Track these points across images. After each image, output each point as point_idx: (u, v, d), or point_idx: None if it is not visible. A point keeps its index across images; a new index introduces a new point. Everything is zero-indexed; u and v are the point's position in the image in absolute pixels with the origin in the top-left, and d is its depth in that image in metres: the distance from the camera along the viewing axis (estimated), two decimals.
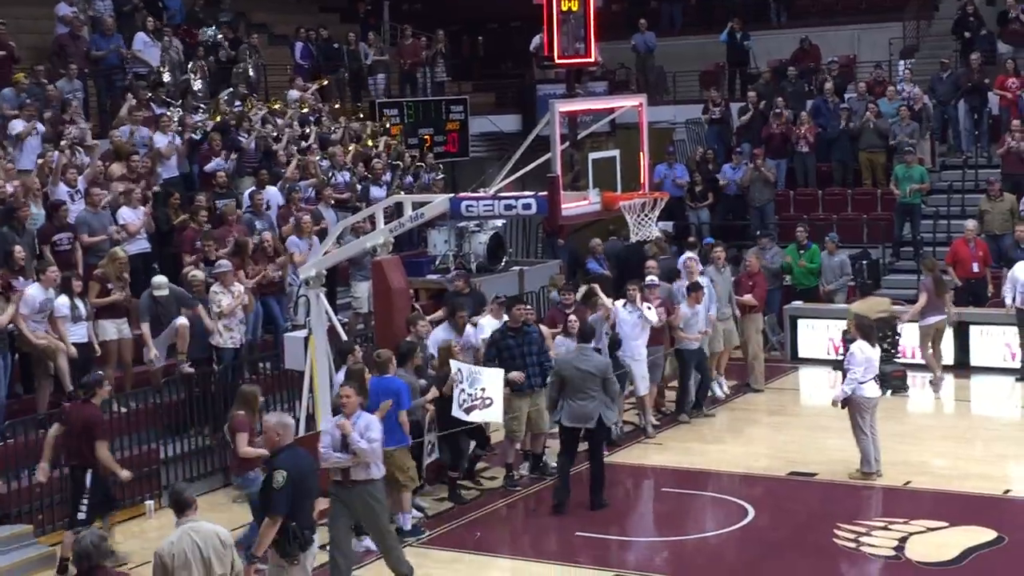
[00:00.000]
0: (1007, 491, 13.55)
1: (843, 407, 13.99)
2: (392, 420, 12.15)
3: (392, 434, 12.05)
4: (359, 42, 25.54)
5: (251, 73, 22.49)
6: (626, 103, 15.95)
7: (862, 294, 18.15)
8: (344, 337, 14.85)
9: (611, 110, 17.05)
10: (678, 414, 16.77)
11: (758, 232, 21.13)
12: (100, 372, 12.76)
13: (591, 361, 13.34)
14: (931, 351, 17.82)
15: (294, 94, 22.38)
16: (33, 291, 13.73)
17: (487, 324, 15.03)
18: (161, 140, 18.28)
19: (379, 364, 12.76)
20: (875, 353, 13.90)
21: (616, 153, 14.60)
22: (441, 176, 22.82)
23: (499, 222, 19.51)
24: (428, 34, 26.81)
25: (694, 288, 16.53)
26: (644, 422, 16.16)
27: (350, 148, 21.31)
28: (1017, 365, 17.96)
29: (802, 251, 19.99)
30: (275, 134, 20.16)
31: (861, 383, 13.71)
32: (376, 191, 19.83)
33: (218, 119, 19.69)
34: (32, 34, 21.50)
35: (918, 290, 18.21)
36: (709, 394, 17.14)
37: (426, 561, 12.23)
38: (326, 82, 23.55)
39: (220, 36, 22.80)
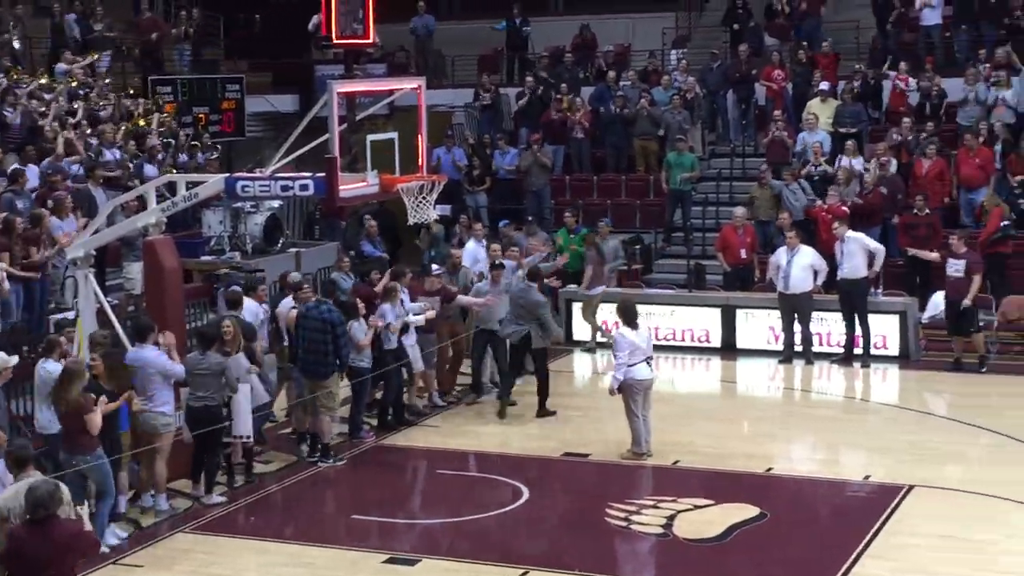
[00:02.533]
0: (769, 469, 14.03)
1: (619, 392, 14.24)
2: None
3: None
4: (64, 15, 24.43)
5: (16, 45, 21.66)
6: (405, 85, 15.91)
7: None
8: (114, 319, 14.46)
9: (389, 92, 16.98)
10: (476, 393, 16.92)
11: (528, 217, 21.34)
12: None
13: None
14: (594, 319, 18.90)
15: (62, 68, 21.64)
16: None
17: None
18: None
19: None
20: (639, 335, 14.14)
21: (394, 135, 14.55)
22: (216, 156, 22.41)
23: (276, 203, 19.27)
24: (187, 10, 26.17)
25: (496, 267, 16.72)
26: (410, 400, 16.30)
27: (121, 125, 20.72)
28: (780, 347, 18.63)
29: (572, 235, 20.26)
30: (42, 109, 19.45)
31: (630, 366, 13.98)
32: (149, 170, 19.33)
33: None
34: None
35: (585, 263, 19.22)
36: None
37: (201, 546, 12.05)
38: (96, 56, 22.84)
39: None
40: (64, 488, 8.72)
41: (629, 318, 14.19)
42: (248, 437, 13.65)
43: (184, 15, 26.10)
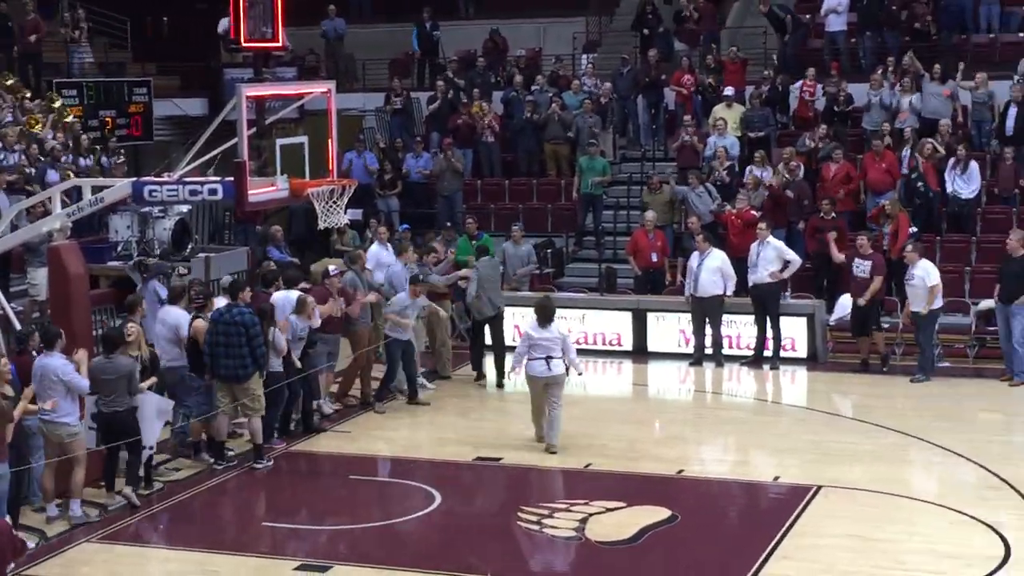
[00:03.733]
0: (680, 471, 14.12)
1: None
2: None
3: None
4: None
5: None
6: (315, 89, 15.88)
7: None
8: (17, 325, 14.21)
9: (300, 96, 16.94)
10: (377, 400, 16.76)
11: (448, 223, 21.30)
12: None
13: None
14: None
15: None
16: None
17: None
18: None
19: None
20: (544, 333, 14.49)
21: (304, 139, 14.50)
22: (122, 159, 22.09)
23: (185, 208, 19.04)
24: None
25: (415, 280, 16.66)
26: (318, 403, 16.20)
27: (19, 127, 20.35)
28: (691, 350, 18.77)
29: (473, 241, 20.13)
30: None
31: (529, 360, 14.52)
32: (52, 174, 19.02)
33: None
34: None
35: None
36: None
37: (106, 555, 11.88)
38: None
39: None
40: None
41: (540, 316, 14.63)
42: (152, 448, 13.44)
43: (69, 16, 25.53)
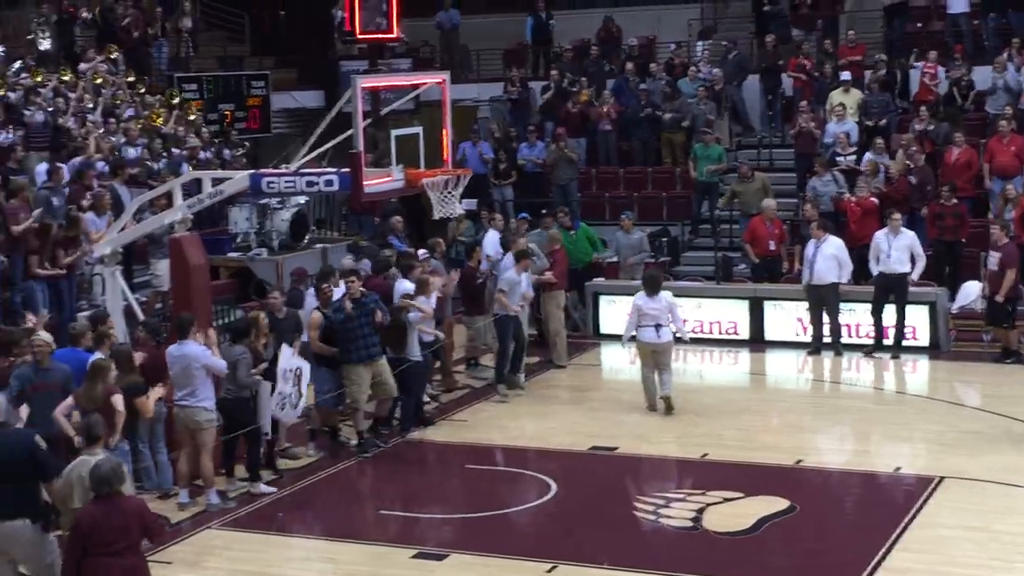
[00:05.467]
0: (799, 461, 13.95)
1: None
2: None
3: None
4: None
5: (45, 46, 21.73)
6: (429, 80, 15.91)
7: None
8: (140, 315, 14.49)
9: (414, 87, 16.98)
10: (496, 382, 16.78)
11: (543, 211, 21.21)
12: None
13: None
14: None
15: (85, 66, 21.69)
16: None
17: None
18: None
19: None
20: (653, 303, 15.42)
21: (419, 130, 14.55)
22: (242, 152, 22.43)
23: (302, 199, 19.29)
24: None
25: (522, 254, 16.59)
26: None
27: (141, 122, 20.74)
28: (808, 339, 18.53)
29: (572, 232, 20.04)
30: (62, 110, 19.50)
31: (639, 327, 15.46)
32: (186, 168, 19.36)
33: (3, 92, 18.95)
34: None
35: None
36: None
37: (230, 543, 12.05)
38: (114, 54, 22.83)
39: None
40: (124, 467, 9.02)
41: (648, 286, 15.66)
42: (266, 433, 13.62)
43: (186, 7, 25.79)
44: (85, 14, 23.72)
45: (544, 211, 20.57)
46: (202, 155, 20.84)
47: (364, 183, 13.38)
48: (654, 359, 15.58)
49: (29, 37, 21.61)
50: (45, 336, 12.05)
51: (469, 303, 17.10)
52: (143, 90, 22.46)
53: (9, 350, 12.75)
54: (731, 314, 19.21)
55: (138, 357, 12.73)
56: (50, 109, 19.39)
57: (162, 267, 16.94)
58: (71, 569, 8.63)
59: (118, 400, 11.56)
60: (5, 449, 9.44)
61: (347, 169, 13.39)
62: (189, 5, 25.86)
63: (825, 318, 18.21)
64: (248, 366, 12.92)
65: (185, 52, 25.52)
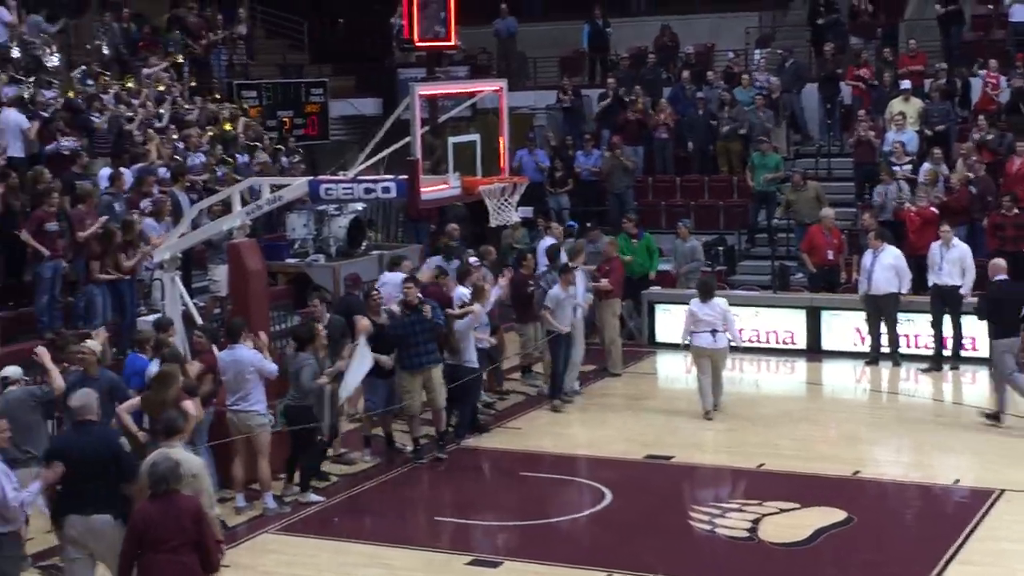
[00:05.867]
0: (856, 472, 13.85)
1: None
2: None
3: None
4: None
5: (105, 51, 21.97)
6: (486, 87, 15.94)
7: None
8: (199, 320, 14.60)
9: (471, 94, 17.03)
10: (551, 398, 16.71)
11: (587, 223, 21.12)
12: None
13: None
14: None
15: (148, 72, 21.91)
16: None
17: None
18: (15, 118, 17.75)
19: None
20: (707, 309, 15.64)
21: (476, 137, 14.58)
22: (299, 159, 22.57)
23: (359, 206, 19.38)
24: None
25: (565, 270, 16.58)
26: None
27: (207, 130, 20.93)
28: (866, 349, 18.39)
29: (634, 240, 20.06)
30: (129, 114, 19.71)
31: (692, 333, 15.71)
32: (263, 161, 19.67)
33: (70, 95, 19.19)
34: None
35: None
36: None
37: (286, 547, 12.12)
38: (180, 59, 23.06)
39: None
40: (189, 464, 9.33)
41: (702, 292, 15.90)
42: (322, 436, 13.68)
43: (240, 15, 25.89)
44: (150, 22, 23.95)
45: (588, 223, 20.57)
46: (261, 161, 20.97)
47: (421, 190, 13.42)
48: (709, 365, 15.76)
49: (93, 44, 21.84)
50: (92, 345, 12.07)
51: (520, 310, 17.10)
52: (205, 97, 22.65)
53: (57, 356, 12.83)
54: (788, 323, 19.11)
55: (196, 363, 12.80)
56: (113, 115, 19.59)
57: (220, 272, 17.07)
58: (127, 564, 8.78)
59: (190, 406, 11.70)
60: (91, 447, 9.63)
61: (404, 176, 13.44)
62: (244, 12, 26.06)
63: (883, 328, 18.06)
64: (312, 372, 12.99)
65: (241, 59, 25.69)
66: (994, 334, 15.21)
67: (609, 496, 13.23)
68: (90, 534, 9.59)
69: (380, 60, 28.79)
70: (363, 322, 14.20)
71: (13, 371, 11.53)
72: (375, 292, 14.89)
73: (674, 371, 18.79)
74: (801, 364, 18.70)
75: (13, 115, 17.68)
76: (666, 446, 14.86)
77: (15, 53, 19.78)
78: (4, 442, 9.60)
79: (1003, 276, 15.40)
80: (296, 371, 12.96)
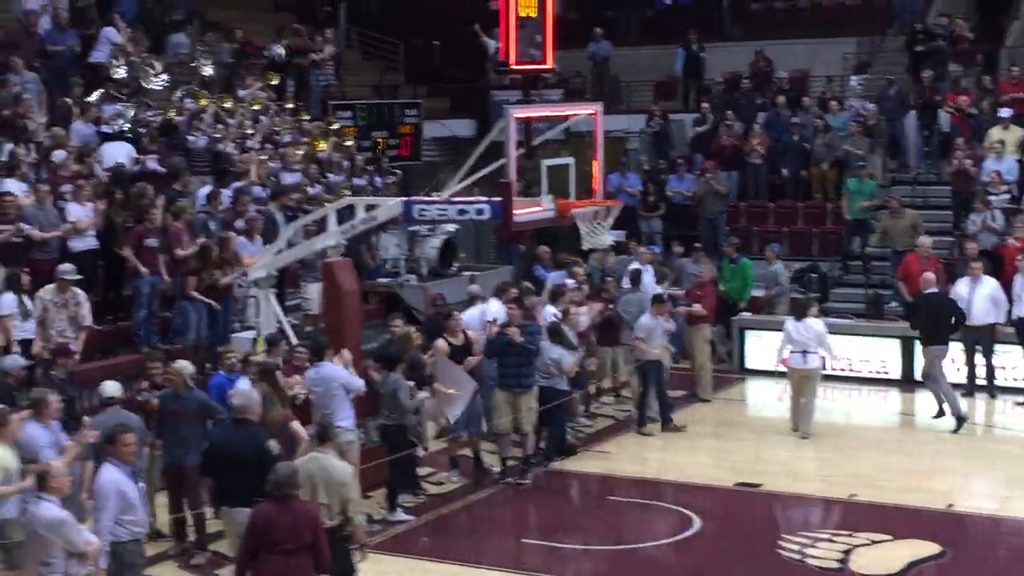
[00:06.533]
0: (950, 505, 13.64)
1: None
2: None
3: None
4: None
5: (207, 72, 22.32)
6: (581, 111, 15.97)
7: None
8: (293, 339, 14.75)
9: (565, 117, 17.07)
10: (639, 425, 16.64)
11: (696, 244, 21.13)
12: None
13: None
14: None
15: (245, 93, 22.20)
16: None
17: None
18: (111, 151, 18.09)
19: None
20: (800, 328, 15.82)
21: (571, 161, 14.61)
22: (393, 180, 22.73)
23: (451, 227, 19.48)
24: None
25: (658, 299, 16.52)
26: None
27: (301, 149, 21.14)
28: (962, 380, 18.09)
29: (733, 264, 19.95)
30: (222, 135, 19.98)
31: (792, 353, 15.92)
32: (358, 182, 19.82)
33: (171, 116, 19.50)
34: None
35: None
36: None
37: (373, 565, 12.15)
38: (275, 81, 23.34)
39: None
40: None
41: (796, 311, 16.23)
42: (426, 448, 13.73)
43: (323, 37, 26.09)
44: (275, 48, 24.29)
45: (671, 245, 20.54)
46: (356, 182, 21.17)
47: (514, 212, 13.47)
48: (800, 385, 15.90)
49: (194, 63, 22.20)
50: (181, 365, 12.25)
51: (599, 334, 17.04)
52: (300, 117, 22.90)
53: (143, 372, 13.01)
54: (882, 353, 18.86)
55: (297, 378, 12.92)
56: (211, 135, 19.88)
57: (313, 291, 17.24)
58: (244, 563, 9.09)
59: (297, 426, 11.89)
60: (238, 443, 10.33)
61: (498, 198, 13.50)
62: (332, 32, 26.32)
63: (980, 359, 17.77)
64: (408, 390, 13.07)
65: (330, 79, 25.93)
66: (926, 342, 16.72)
67: (697, 523, 13.15)
68: (232, 526, 10.22)
69: (474, 82, 28.94)
70: (439, 344, 14.25)
71: (112, 388, 11.70)
72: (454, 314, 14.95)
73: (765, 398, 18.64)
74: (895, 394, 18.44)
75: (113, 148, 17.88)
76: (756, 473, 14.74)
77: (120, 73, 20.11)
78: (131, 456, 9.80)
79: (933, 289, 16.97)
80: (391, 392, 13.03)
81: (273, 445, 10.41)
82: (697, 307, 17.79)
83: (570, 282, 16.95)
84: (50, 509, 8.97)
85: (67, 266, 14.02)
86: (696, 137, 25.20)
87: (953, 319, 16.67)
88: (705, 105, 25.34)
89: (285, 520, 8.94)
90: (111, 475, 9.52)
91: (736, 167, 24.25)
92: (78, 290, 13.99)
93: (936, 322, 16.57)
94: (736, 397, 18.65)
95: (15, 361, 12.23)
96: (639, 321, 16.36)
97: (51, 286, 13.80)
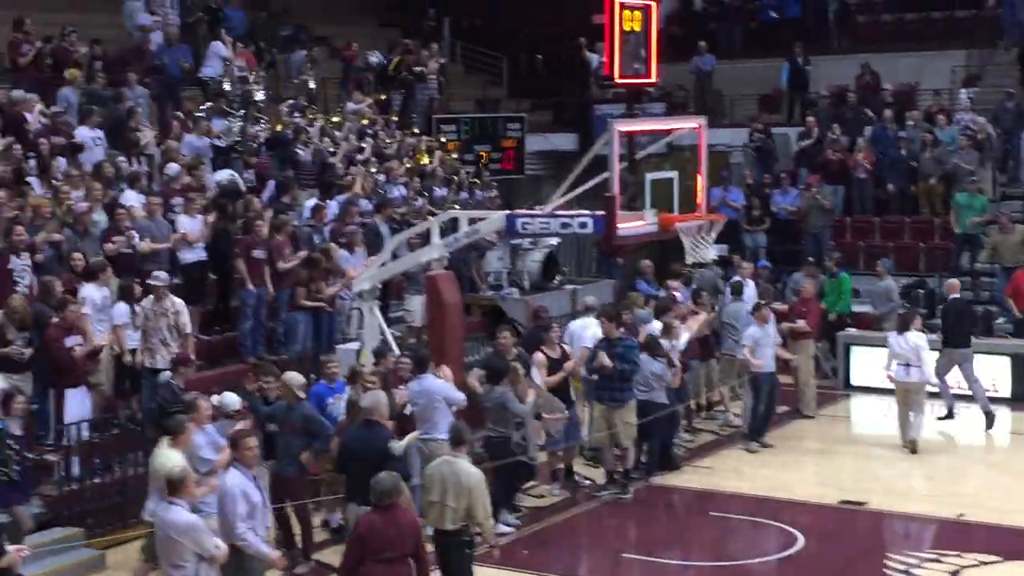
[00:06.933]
0: None
1: None
2: None
3: None
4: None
5: (312, 85, 22.63)
6: (685, 125, 15.91)
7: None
8: (396, 350, 14.86)
9: (669, 131, 17.02)
10: (748, 440, 16.52)
11: (808, 258, 20.98)
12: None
13: None
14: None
15: (352, 107, 22.46)
16: (89, 290, 13.86)
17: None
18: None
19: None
20: (901, 342, 15.85)
21: (674, 175, 14.57)
22: (495, 193, 22.83)
23: (553, 240, 19.50)
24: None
25: (758, 307, 16.39)
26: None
27: (405, 162, 21.33)
28: None
29: (833, 279, 19.72)
30: (332, 149, 20.23)
31: (897, 366, 15.94)
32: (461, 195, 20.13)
33: (279, 129, 19.81)
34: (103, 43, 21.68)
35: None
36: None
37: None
38: (384, 96, 23.59)
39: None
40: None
41: (899, 325, 16.23)
42: (532, 458, 13.78)
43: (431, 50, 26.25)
44: (371, 58, 24.55)
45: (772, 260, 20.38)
46: (460, 195, 21.31)
47: (618, 226, 13.45)
48: (905, 398, 15.93)
49: (301, 78, 22.54)
50: (291, 377, 12.38)
51: (695, 347, 16.94)
52: (405, 131, 23.12)
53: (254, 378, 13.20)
54: (991, 370, 18.51)
55: (402, 390, 13.02)
56: (315, 148, 20.14)
57: (415, 303, 17.36)
58: (348, 570, 9.28)
59: (408, 438, 12.02)
60: (364, 443, 10.81)
61: (602, 212, 13.49)
62: (436, 47, 26.54)
63: None
64: (514, 401, 13.12)
65: (435, 94, 26.14)
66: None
67: (801, 540, 13.00)
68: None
69: (576, 96, 28.98)
70: (538, 357, 14.26)
71: (231, 400, 11.84)
72: (554, 327, 14.96)
73: (870, 415, 18.39)
74: (1005, 412, 18.09)
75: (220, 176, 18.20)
76: (861, 491, 14.54)
77: (229, 87, 20.44)
78: (253, 460, 10.04)
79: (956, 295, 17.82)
80: (498, 404, 13.07)
81: (395, 447, 10.76)
82: (801, 323, 17.62)
83: (679, 295, 16.85)
84: (181, 513, 9.19)
85: (160, 274, 14.26)
86: (800, 151, 24.98)
87: None
88: (810, 119, 25.11)
89: (389, 529, 9.10)
90: (235, 479, 9.78)
91: (841, 181, 23.99)
92: (176, 299, 14.18)
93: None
94: (841, 414, 18.43)
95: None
96: (747, 332, 16.26)
97: (150, 296, 14.04)
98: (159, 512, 9.38)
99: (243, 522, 9.63)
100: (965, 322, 17.61)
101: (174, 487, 9.24)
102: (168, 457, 10.25)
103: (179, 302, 14.17)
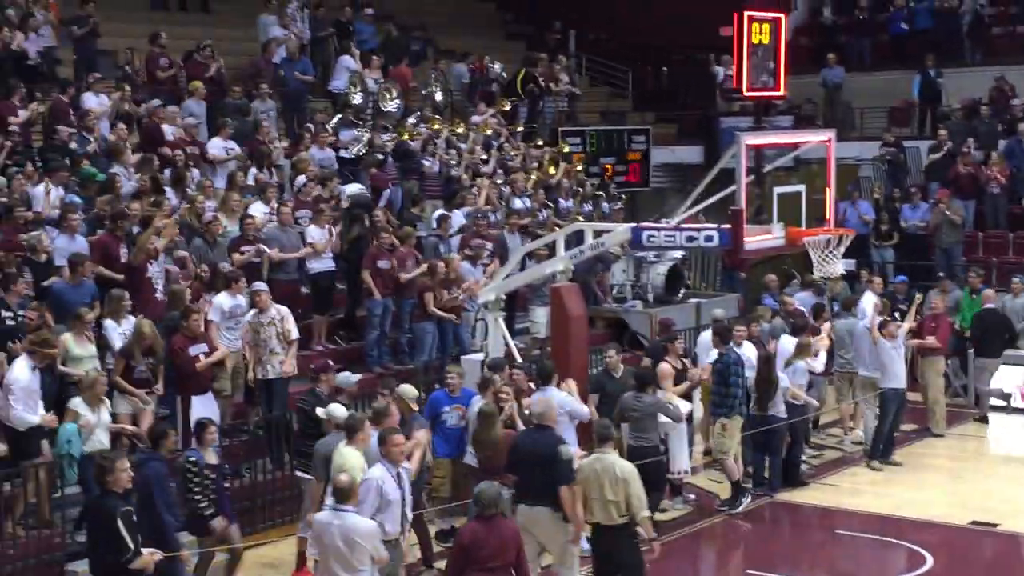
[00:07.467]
0: None
1: None
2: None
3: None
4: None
5: (438, 97, 22.82)
6: (814, 138, 15.70)
7: None
8: (520, 361, 14.90)
9: (796, 145, 16.84)
10: (871, 458, 16.30)
11: (940, 274, 20.60)
12: None
13: None
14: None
15: (477, 118, 22.60)
16: (221, 299, 14.13)
17: None
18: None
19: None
20: None
21: (802, 188, 14.41)
22: (620, 206, 22.79)
23: (678, 253, 19.42)
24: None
25: (884, 324, 16.07)
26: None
27: (531, 175, 21.39)
28: None
29: (974, 296, 19.33)
30: (455, 161, 20.39)
31: None
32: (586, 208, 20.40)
33: (405, 138, 20.02)
34: (233, 56, 22.15)
35: None
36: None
37: None
38: (507, 107, 23.69)
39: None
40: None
41: None
42: (685, 471, 13.72)
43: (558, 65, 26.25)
44: (496, 69, 24.73)
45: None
46: (585, 208, 21.32)
47: (745, 240, 13.35)
48: None
49: (428, 89, 22.76)
50: (405, 389, 12.33)
51: None
52: (530, 143, 23.20)
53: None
54: None
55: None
56: (440, 159, 20.32)
57: (540, 315, 17.42)
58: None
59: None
60: (538, 448, 10.87)
61: (728, 225, 13.40)
62: (564, 60, 26.61)
63: None
64: (665, 409, 13.11)
65: (562, 106, 26.20)
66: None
67: (930, 561, 12.78)
68: (532, 522, 10.73)
69: (702, 108, 28.83)
70: (663, 368, 14.19)
71: (339, 412, 11.81)
72: (678, 338, 14.89)
73: (1003, 434, 17.98)
74: None
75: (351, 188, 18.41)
76: (993, 512, 14.23)
77: (357, 99, 20.71)
78: (400, 456, 10.36)
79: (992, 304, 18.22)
80: (649, 413, 13.05)
81: (564, 450, 10.85)
82: (931, 339, 17.30)
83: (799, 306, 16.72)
84: (362, 519, 9.57)
85: (259, 284, 14.45)
86: (931, 164, 24.54)
87: None
88: (942, 132, 24.67)
89: (492, 539, 9.27)
90: (376, 472, 10.08)
91: (973, 196, 23.53)
92: (280, 306, 14.23)
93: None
94: (971, 432, 18.05)
95: (347, 378, 12.92)
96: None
97: (253, 310, 14.08)
98: (334, 521, 9.59)
99: (369, 515, 9.83)
100: (998, 332, 18.16)
101: (344, 494, 9.58)
102: (346, 456, 10.58)
103: (283, 309, 14.21)
